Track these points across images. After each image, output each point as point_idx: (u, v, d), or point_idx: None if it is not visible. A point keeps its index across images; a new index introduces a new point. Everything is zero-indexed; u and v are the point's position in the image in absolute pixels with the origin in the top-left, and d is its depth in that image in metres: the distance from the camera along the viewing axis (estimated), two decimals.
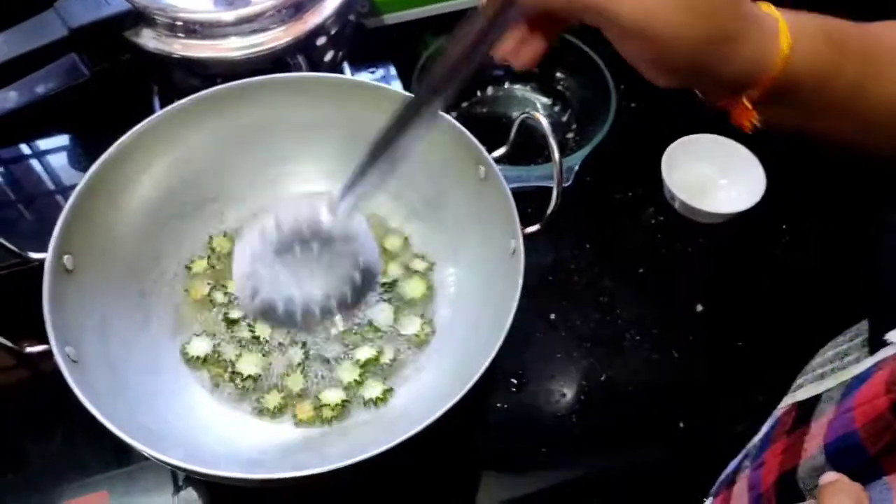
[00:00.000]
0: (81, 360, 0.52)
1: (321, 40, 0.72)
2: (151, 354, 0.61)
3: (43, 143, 0.78)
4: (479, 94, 0.86)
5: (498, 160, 0.61)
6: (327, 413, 0.59)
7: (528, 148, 0.74)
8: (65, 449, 0.63)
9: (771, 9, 0.39)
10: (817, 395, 0.49)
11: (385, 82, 0.79)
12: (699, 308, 0.73)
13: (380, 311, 0.64)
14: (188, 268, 0.66)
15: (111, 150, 0.59)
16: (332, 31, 0.73)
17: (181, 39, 0.68)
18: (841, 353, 0.52)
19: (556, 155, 0.57)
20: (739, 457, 0.56)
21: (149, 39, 0.68)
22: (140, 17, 0.67)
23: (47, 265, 0.53)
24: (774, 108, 0.40)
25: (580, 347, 0.70)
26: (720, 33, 0.36)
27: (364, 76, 0.80)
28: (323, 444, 0.58)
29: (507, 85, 0.87)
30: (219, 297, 0.65)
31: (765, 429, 0.54)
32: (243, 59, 0.68)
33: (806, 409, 0.49)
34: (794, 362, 0.57)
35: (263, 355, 0.62)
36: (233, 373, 0.61)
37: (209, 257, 0.67)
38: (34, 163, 0.77)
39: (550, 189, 0.58)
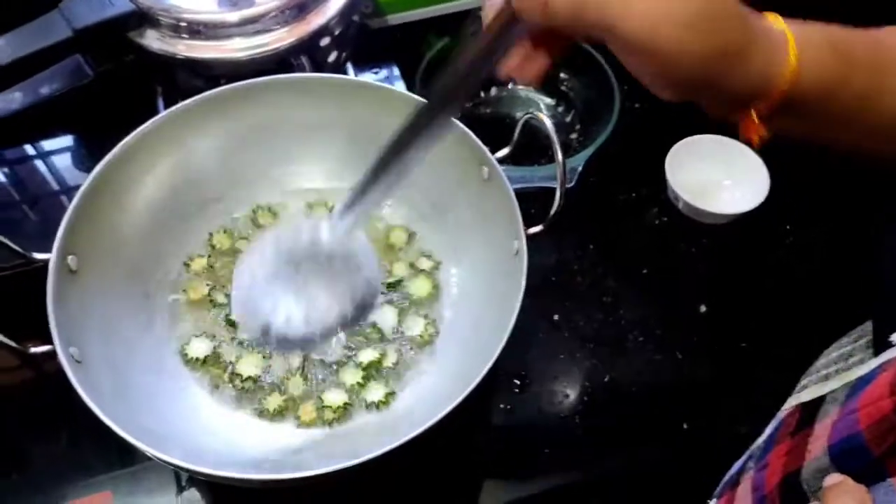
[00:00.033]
0: (85, 360, 0.52)
1: (325, 41, 0.72)
2: (155, 355, 0.61)
3: (47, 144, 0.78)
4: (482, 94, 0.86)
5: (501, 161, 0.61)
6: (329, 415, 0.59)
7: (531, 148, 0.74)
8: (68, 449, 0.63)
9: (778, 21, 0.39)
10: (821, 397, 0.49)
11: (389, 83, 0.79)
12: (703, 309, 0.73)
13: (383, 314, 0.64)
14: (186, 264, 0.66)
15: (115, 150, 0.60)
16: (336, 32, 0.73)
17: (185, 40, 0.68)
18: (845, 354, 0.52)
19: (560, 155, 0.57)
20: (743, 458, 0.55)
21: (153, 40, 0.68)
22: (144, 18, 0.67)
23: (51, 266, 0.53)
24: (781, 120, 0.40)
25: (583, 348, 0.70)
26: (726, 47, 0.36)
27: (368, 77, 0.80)
28: (325, 445, 0.58)
29: (510, 85, 0.87)
30: (219, 297, 0.65)
31: (769, 430, 0.54)
32: (247, 60, 0.68)
33: (810, 411, 0.49)
34: (798, 363, 0.57)
35: (264, 357, 0.62)
36: (232, 374, 0.61)
37: (209, 256, 0.66)
38: (38, 163, 0.77)
39: (554, 190, 0.58)
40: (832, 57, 0.39)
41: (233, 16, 0.67)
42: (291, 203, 0.69)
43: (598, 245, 0.77)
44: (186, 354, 0.62)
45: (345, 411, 0.60)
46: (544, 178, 0.73)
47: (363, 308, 0.52)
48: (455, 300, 0.66)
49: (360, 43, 0.79)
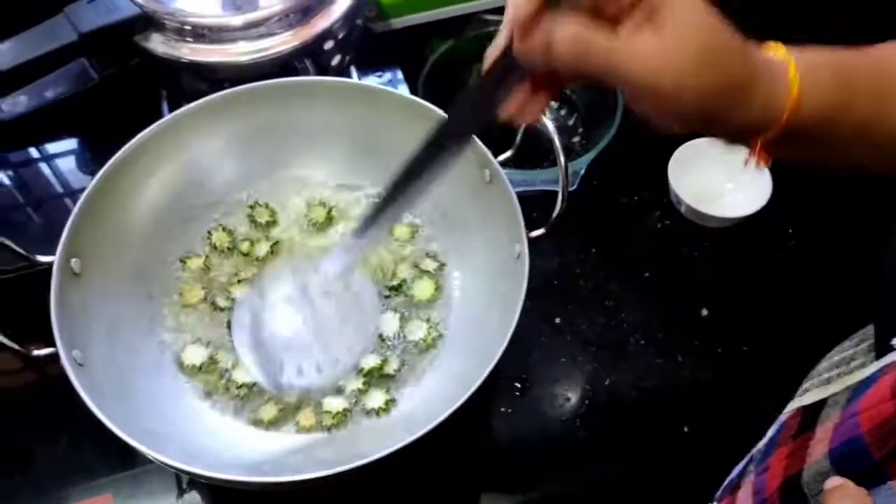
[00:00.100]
0: (88, 363, 0.52)
1: (329, 44, 0.73)
2: (157, 358, 0.61)
3: (52, 147, 0.78)
4: None
5: (504, 164, 0.61)
6: (328, 420, 0.59)
7: (533, 152, 0.75)
8: (70, 452, 0.64)
9: (779, 50, 0.39)
10: (823, 400, 0.49)
11: (392, 86, 0.80)
12: (705, 312, 0.73)
13: (386, 320, 0.64)
14: (182, 261, 0.65)
15: (120, 154, 0.60)
16: (340, 36, 0.73)
17: (190, 44, 0.68)
18: (847, 357, 0.52)
19: (562, 159, 0.57)
20: (744, 462, 0.55)
21: (158, 44, 0.68)
22: (149, 22, 0.68)
23: (55, 268, 0.54)
24: (783, 147, 0.40)
25: (585, 352, 0.70)
26: (729, 85, 0.36)
27: (371, 80, 0.80)
28: (326, 448, 0.58)
29: None
30: (221, 301, 0.64)
31: (770, 433, 0.53)
32: (251, 64, 0.69)
33: (811, 414, 0.48)
34: (800, 367, 0.57)
35: None
36: (228, 381, 0.60)
37: (207, 257, 0.66)
38: (43, 166, 0.78)
39: (556, 193, 0.58)
40: (833, 85, 0.39)
41: (237, 19, 0.68)
42: (292, 204, 0.69)
43: (601, 248, 0.77)
44: (182, 362, 0.61)
45: (344, 417, 0.59)
46: (546, 182, 0.73)
47: (364, 342, 0.54)
48: (457, 303, 0.65)
49: (364, 46, 0.79)
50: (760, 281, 0.75)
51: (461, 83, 0.80)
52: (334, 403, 0.60)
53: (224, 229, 0.67)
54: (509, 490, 0.63)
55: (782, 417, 0.54)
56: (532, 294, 0.53)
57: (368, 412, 0.60)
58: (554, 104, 0.86)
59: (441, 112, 0.62)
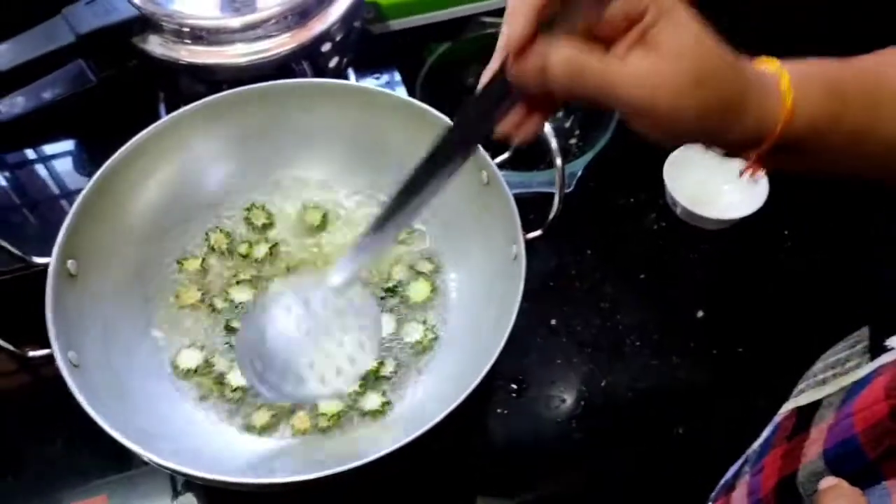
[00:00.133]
0: (83, 364, 0.52)
1: (326, 46, 0.73)
2: (153, 359, 0.61)
3: (49, 148, 0.78)
4: None
5: (501, 165, 0.61)
6: (324, 423, 0.59)
7: (530, 153, 0.75)
8: (65, 453, 0.63)
9: (772, 64, 0.39)
10: (818, 401, 0.49)
11: (390, 88, 0.80)
12: (700, 314, 0.73)
13: (382, 322, 0.63)
14: (179, 263, 0.65)
15: (117, 155, 0.60)
16: (338, 38, 0.73)
17: (188, 46, 0.68)
18: (842, 359, 0.52)
19: (559, 160, 0.58)
20: (739, 462, 0.56)
21: (155, 46, 0.69)
22: (147, 24, 0.68)
23: (51, 270, 0.54)
24: (777, 159, 0.40)
25: (581, 353, 0.70)
26: (723, 102, 0.37)
27: (369, 82, 0.80)
28: (321, 449, 0.58)
29: None
30: (218, 303, 0.64)
31: (765, 434, 0.54)
32: (249, 66, 0.69)
33: (806, 415, 0.49)
34: (795, 368, 0.57)
35: None
36: (221, 384, 0.60)
37: (204, 258, 0.66)
38: (39, 167, 0.78)
39: (553, 195, 0.58)
40: (825, 96, 0.39)
41: (235, 21, 0.68)
42: (290, 206, 0.69)
43: (597, 250, 0.77)
44: (177, 366, 0.61)
45: (339, 419, 0.59)
46: (543, 183, 0.73)
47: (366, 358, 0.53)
48: (453, 305, 0.65)
49: (362, 48, 0.79)
50: (755, 283, 0.75)
51: (459, 85, 0.80)
52: (330, 406, 0.60)
53: (222, 231, 0.67)
54: (505, 491, 0.63)
55: (777, 418, 0.54)
56: (528, 295, 0.53)
57: (364, 414, 0.60)
58: None
59: (439, 114, 0.62)
